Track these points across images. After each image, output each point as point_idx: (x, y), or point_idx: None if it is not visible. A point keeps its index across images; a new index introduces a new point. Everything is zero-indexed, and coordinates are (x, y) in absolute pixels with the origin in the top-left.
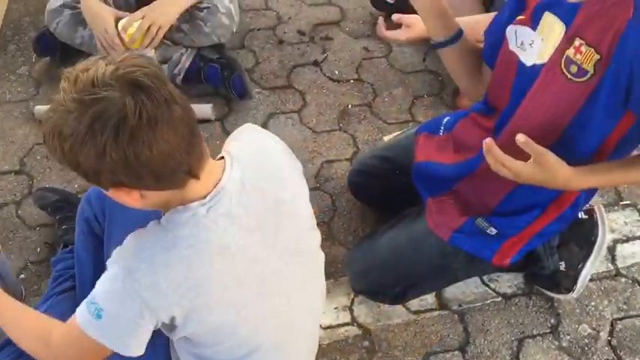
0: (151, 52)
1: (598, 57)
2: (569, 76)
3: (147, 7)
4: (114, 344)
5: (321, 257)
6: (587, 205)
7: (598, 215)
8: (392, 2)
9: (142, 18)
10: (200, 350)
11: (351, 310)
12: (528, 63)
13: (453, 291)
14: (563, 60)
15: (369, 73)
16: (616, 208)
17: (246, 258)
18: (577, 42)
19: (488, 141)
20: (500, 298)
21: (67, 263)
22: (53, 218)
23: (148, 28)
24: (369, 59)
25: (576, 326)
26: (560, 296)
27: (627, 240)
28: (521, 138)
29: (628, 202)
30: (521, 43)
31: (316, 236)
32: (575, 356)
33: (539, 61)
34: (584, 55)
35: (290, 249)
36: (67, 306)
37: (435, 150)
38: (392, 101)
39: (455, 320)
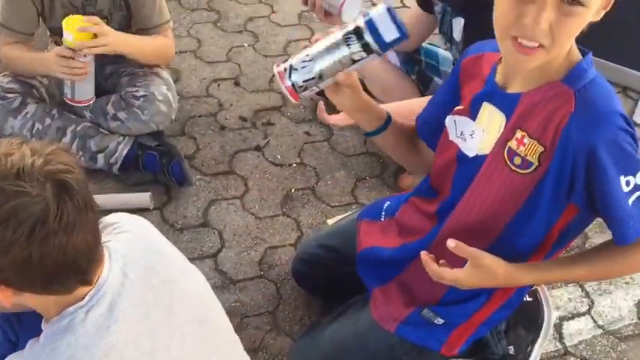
0: (88, 58)
1: (542, 149)
2: (513, 167)
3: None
4: None
5: (232, 339)
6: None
7: (542, 296)
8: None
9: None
10: None
11: None
12: (470, 154)
13: None
14: (505, 151)
15: (311, 157)
16: (559, 285)
17: (138, 351)
18: (519, 134)
19: (424, 256)
20: None
21: None
22: None
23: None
24: (311, 143)
25: None
26: None
27: (572, 317)
28: (451, 243)
29: None
30: (461, 134)
31: (221, 313)
32: None
33: (481, 152)
34: (528, 147)
35: (188, 330)
36: None
37: (378, 235)
38: (335, 184)
39: None
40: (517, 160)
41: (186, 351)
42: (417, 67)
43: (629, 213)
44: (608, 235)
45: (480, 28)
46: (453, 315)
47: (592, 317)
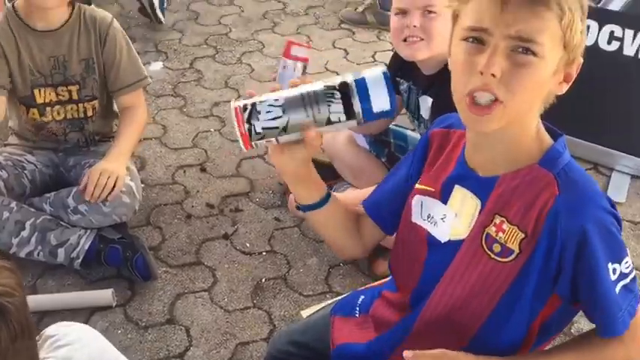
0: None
1: (523, 235)
2: (492, 255)
3: (98, 165)
4: None
5: None
6: None
7: None
8: None
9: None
10: None
11: None
12: (443, 239)
13: None
14: (483, 238)
15: (281, 244)
16: None
17: None
18: (497, 219)
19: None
20: None
21: None
22: None
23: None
24: (281, 229)
25: None
26: None
27: None
28: (408, 354)
29: None
30: (430, 217)
31: None
32: None
33: (454, 238)
34: (508, 234)
35: None
36: None
37: (354, 330)
38: (307, 272)
39: None
40: (496, 248)
41: None
42: (387, 150)
43: (617, 303)
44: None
45: (448, 105)
46: None
47: None
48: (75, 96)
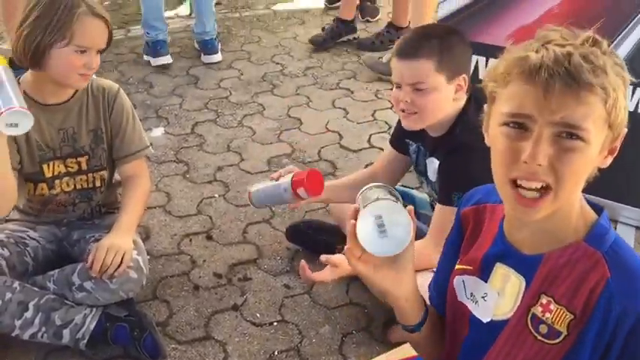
0: None
1: (571, 317)
2: (538, 337)
3: (104, 240)
4: None
5: None
6: None
7: None
8: (309, 231)
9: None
10: None
11: None
12: (485, 319)
13: None
14: (529, 318)
15: (292, 313)
16: None
17: None
18: (544, 299)
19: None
20: None
21: None
22: None
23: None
24: (291, 297)
25: None
26: None
27: None
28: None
29: None
30: (472, 295)
31: None
32: None
33: (497, 318)
34: (555, 314)
35: None
36: None
37: None
38: (320, 342)
39: None
40: (543, 329)
41: None
42: None
43: None
44: None
45: (453, 171)
46: None
47: None
48: (84, 167)
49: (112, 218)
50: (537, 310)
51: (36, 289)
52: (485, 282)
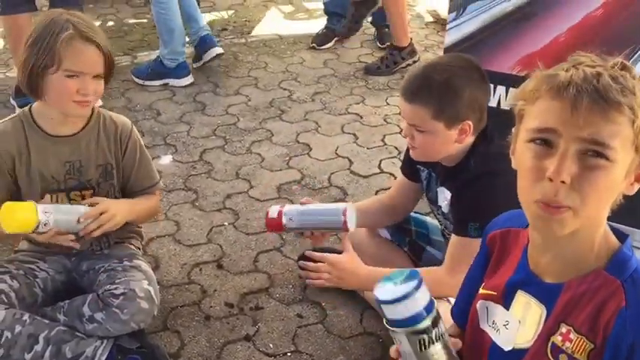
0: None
1: (592, 346)
2: None
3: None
4: None
5: None
6: None
7: None
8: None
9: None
10: None
11: None
12: (506, 347)
13: None
14: (549, 347)
15: (306, 343)
16: None
17: None
18: (564, 328)
19: None
20: None
21: None
22: None
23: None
24: (305, 327)
25: None
26: None
27: None
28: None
29: None
30: (494, 323)
31: None
32: None
33: (518, 346)
34: (575, 344)
35: None
36: None
37: None
38: None
39: None
40: (563, 358)
41: None
42: (408, 238)
43: None
44: None
45: (470, 201)
46: None
47: None
48: None
49: (123, 248)
50: (557, 339)
51: (46, 321)
52: (507, 309)
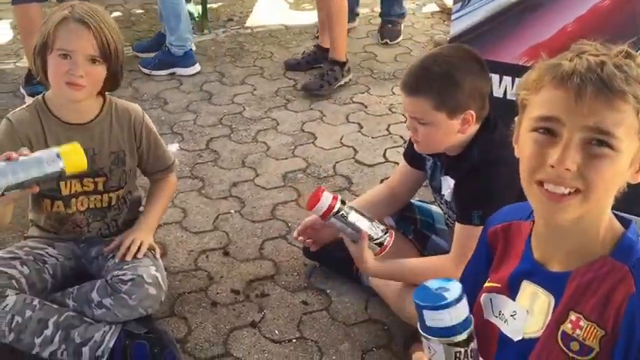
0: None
1: (602, 332)
2: (570, 354)
3: (127, 233)
4: None
5: None
6: None
7: None
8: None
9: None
10: None
11: None
12: (516, 337)
13: None
14: (559, 335)
15: (311, 330)
16: None
17: None
18: (573, 316)
19: None
20: None
21: None
22: None
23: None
24: (310, 314)
25: None
26: None
27: None
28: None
29: None
30: (500, 314)
31: None
32: None
33: (527, 336)
34: (586, 331)
35: None
36: None
37: None
38: (340, 359)
39: None
40: (574, 346)
41: None
42: (413, 227)
43: None
44: None
45: (473, 189)
46: None
47: None
48: (100, 187)
49: None
50: (567, 327)
51: (55, 306)
52: (513, 300)
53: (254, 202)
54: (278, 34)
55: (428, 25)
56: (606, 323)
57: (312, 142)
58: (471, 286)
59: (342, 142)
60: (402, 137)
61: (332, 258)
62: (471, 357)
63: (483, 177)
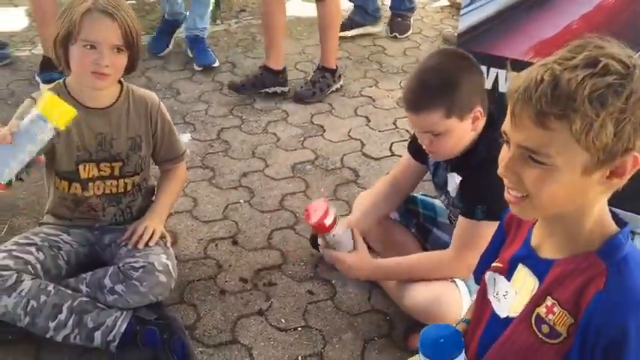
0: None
1: (572, 321)
2: (539, 335)
3: (142, 221)
4: None
5: None
6: None
7: None
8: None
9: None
10: None
11: None
12: (502, 315)
13: None
14: (533, 317)
15: (316, 319)
16: None
17: None
18: (549, 301)
19: None
20: None
21: None
22: None
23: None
24: (315, 303)
25: None
26: None
27: None
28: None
29: None
30: (497, 293)
31: None
32: None
33: (511, 315)
34: (557, 317)
35: None
36: None
37: None
38: (343, 348)
39: None
40: (545, 329)
41: None
42: (416, 220)
43: None
44: None
45: (477, 185)
46: None
47: None
48: (116, 172)
49: None
50: (542, 310)
51: (69, 291)
52: (509, 281)
53: (263, 192)
54: (289, 26)
55: (437, 20)
56: (576, 313)
57: (321, 135)
58: (488, 262)
59: (349, 135)
60: (408, 131)
61: None
62: None
63: (488, 173)
